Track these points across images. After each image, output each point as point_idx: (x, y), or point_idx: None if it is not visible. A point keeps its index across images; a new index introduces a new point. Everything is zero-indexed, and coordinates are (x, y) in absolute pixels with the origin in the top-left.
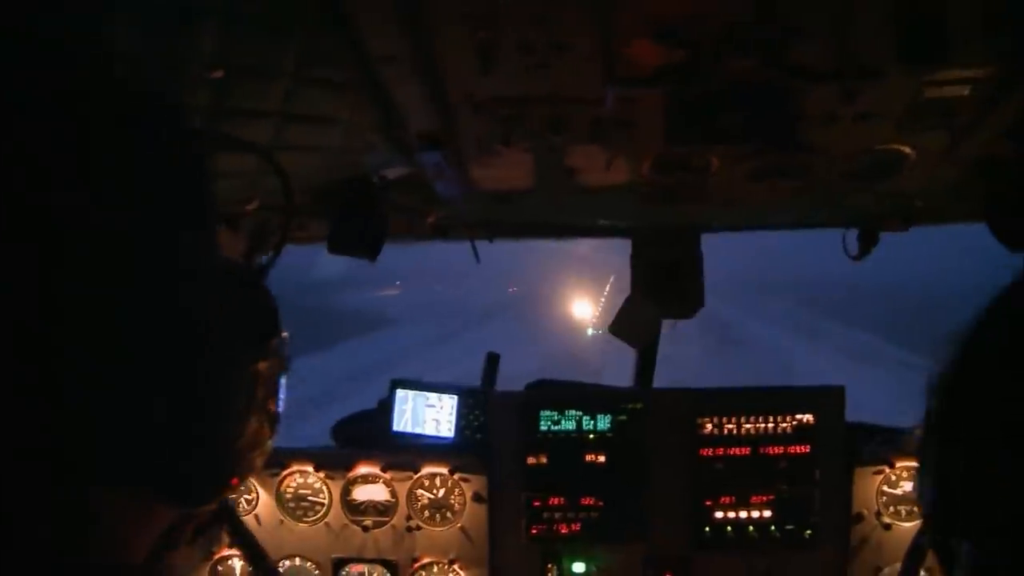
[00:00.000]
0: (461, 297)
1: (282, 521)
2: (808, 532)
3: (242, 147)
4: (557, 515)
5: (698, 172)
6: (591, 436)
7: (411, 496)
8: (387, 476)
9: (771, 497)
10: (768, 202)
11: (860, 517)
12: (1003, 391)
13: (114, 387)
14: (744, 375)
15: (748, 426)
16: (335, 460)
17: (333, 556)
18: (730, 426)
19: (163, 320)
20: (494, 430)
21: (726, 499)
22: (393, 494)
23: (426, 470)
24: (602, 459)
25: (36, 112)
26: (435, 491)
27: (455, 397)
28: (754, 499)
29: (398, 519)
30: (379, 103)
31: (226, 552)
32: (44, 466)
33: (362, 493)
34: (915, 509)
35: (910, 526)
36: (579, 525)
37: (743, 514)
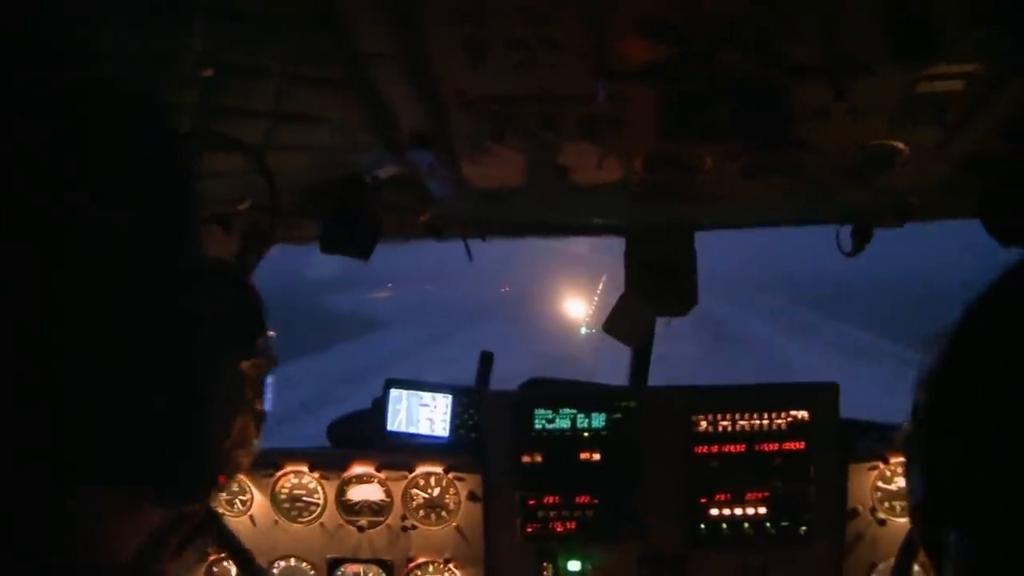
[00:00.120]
0: (453, 297)
1: (277, 522)
2: (803, 528)
3: (229, 145)
4: (552, 514)
5: (690, 169)
6: (585, 434)
7: (406, 496)
8: (382, 476)
9: (766, 494)
10: (761, 199)
11: (855, 513)
12: (992, 382)
13: (101, 386)
14: (740, 373)
15: (743, 423)
16: (330, 460)
17: (328, 556)
18: (725, 423)
19: (148, 319)
20: (488, 429)
21: (721, 496)
22: (388, 494)
23: (421, 469)
24: (597, 457)
25: (25, 111)
26: (430, 490)
27: (449, 396)
28: (749, 496)
29: (393, 519)
30: (369, 102)
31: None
32: (34, 465)
33: (357, 493)
34: None
35: (905, 522)
36: (574, 524)
37: (738, 511)
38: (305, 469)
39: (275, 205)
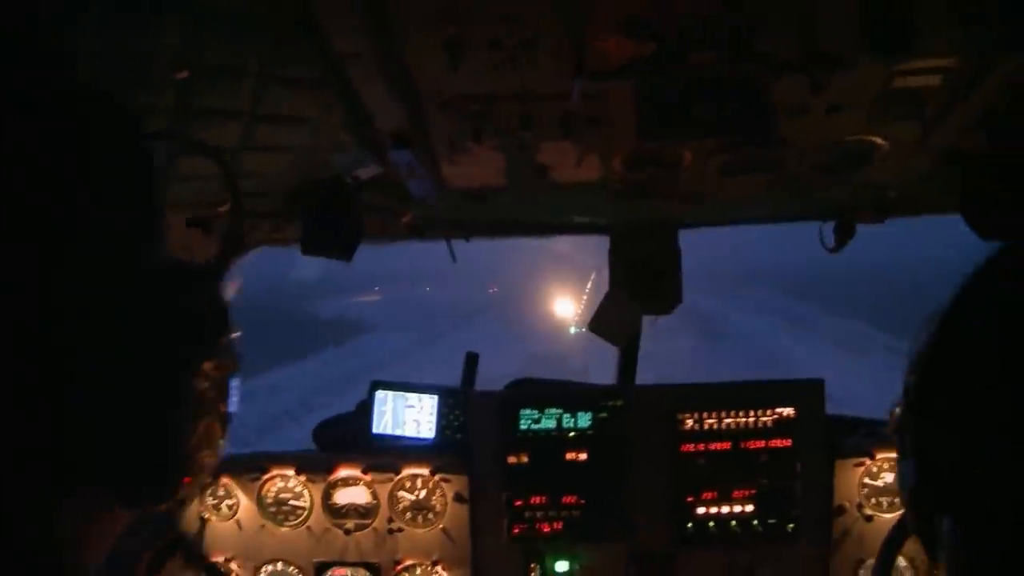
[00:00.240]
0: (441, 299)
1: (263, 525)
2: (790, 526)
3: (191, 147)
4: (539, 514)
5: (670, 167)
6: (571, 434)
7: (392, 498)
8: (368, 478)
9: (752, 491)
10: (743, 196)
11: (842, 510)
12: (981, 365)
13: (64, 386)
14: (731, 368)
15: (728, 421)
16: (316, 463)
17: (315, 560)
18: (711, 421)
19: (108, 319)
20: (474, 430)
21: (708, 494)
22: (374, 496)
23: (407, 471)
24: (583, 457)
25: None
26: (416, 492)
27: (435, 397)
28: (736, 494)
29: (379, 521)
30: (347, 102)
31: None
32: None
33: (343, 496)
34: (896, 500)
35: (891, 517)
36: (561, 524)
37: (725, 509)
38: (291, 472)
39: (237, 208)
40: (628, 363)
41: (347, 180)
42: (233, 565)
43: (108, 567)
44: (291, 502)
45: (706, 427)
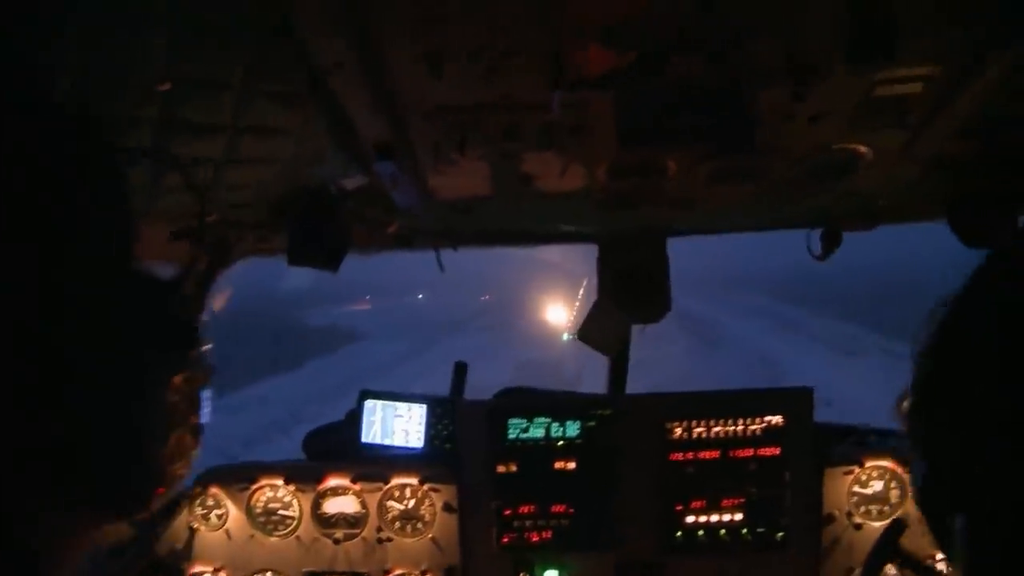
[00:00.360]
0: (433, 307)
1: (252, 535)
2: (779, 534)
3: (160, 159)
4: (528, 523)
5: (655, 176)
6: (560, 443)
7: (381, 507)
8: (357, 488)
9: (741, 500)
10: (730, 204)
11: (831, 518)
12: (981, 365)
13: (34, 398)
14: (727, 373)
15: (717, 429)
16: (305, 473)
17: (304, 570)
18: (699, 430)
19: (75, 332)
20: (462, 439)
21: (697, 503)
22: (363, 505)
23: (396, 481)
24: (572, 466)
25: None
26: (405, 502)
27: (424, 406)
28: (725, 502)
29: (369, 531)
30: (330, 113)
31: (198, 568)
32: None
33: (332, 506)
34: (885, 509)
35: (880, 526)
36: (550, 533)
37: (714, 518)
38: (280, 482)
39: (202, 220)
40: (618, 372)
41: (332, 191)
42: (222, 575)
43: None
44: (280, 512)
45: (695, 436)
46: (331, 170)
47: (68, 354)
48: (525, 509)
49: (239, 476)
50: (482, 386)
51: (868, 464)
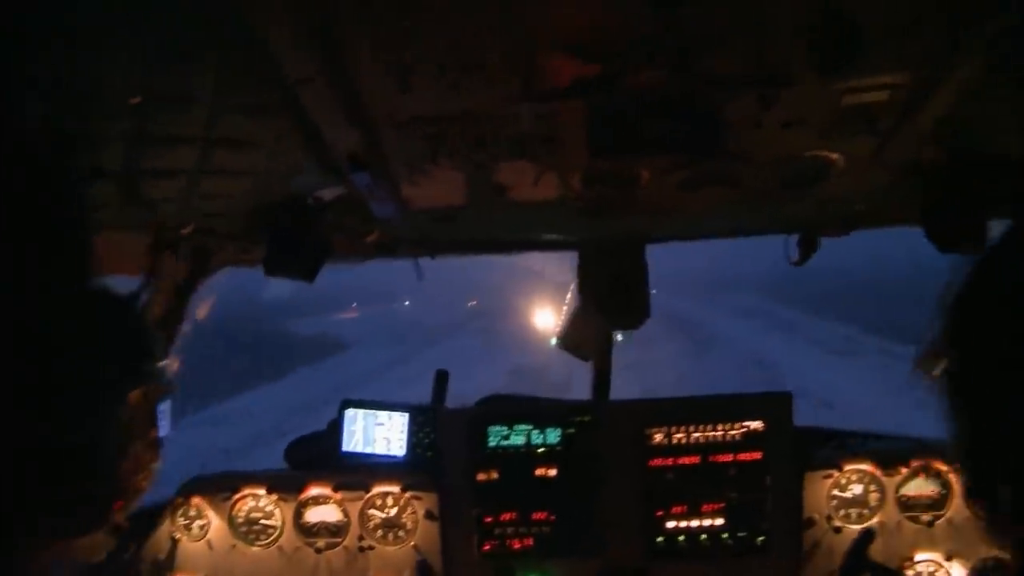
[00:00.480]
0: (420, 314)
1: (234, 545)
2: (760, 539)
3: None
4: (509, 531)
5: (628, 184)
6: (541, 450)
7: (363, 516)
8: (338, 496)
9: (722, 505)
10: (706, 211)
11: (811, 522)
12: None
13: None
14: (719, 374)
15: (697, 435)
16: (286, 482)
17: None
18: (679, 435)
19: (29, 349)
20: (443, 447)
21: (678, 508)
22: (345, 514)
23: (377, 489)
24: (553, 473)
25: None
26: (387, 510)
27: (405, 415)
28: (706, 507)
29: (351, 539)
30: (302, 126)
31: None
32: None
33: (314, 515)
34: (865, 512)
35: (860, 529)
36: (532, 540)
37: (695, 523)
38: (262, 491)
39: (160, 233)
40: (602, 378)
41: (310, 202)
42: None
43: None
44: (262, 521)
45: (675, 441)
46: (307, 181)
47: (23, 371)
48: (506, 516)
49: (221, 486)
50: (478, 393)
51: (847, 468)
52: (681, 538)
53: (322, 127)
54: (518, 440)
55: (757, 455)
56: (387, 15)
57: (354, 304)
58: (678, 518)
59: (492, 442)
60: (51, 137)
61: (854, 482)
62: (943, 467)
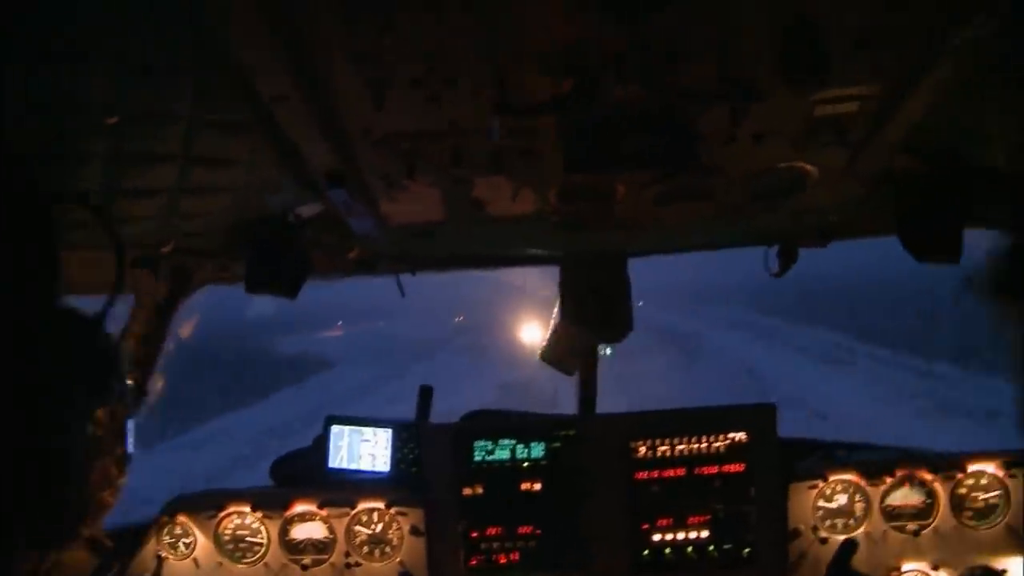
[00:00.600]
0: (406, 331)
1: (221, 563)
2: (746, 550)
3: (75, 200)
4: (495, 545)
5: (604, 199)
6: (525, 464)
7: (349, 532)
8: (324, 513)
9: (708, 517)
10: (684, 224)
11: (797, 533)
12: None
13: None
14: (708, 386)
15: (682, 447)
16: (272, 499)
17: None
18: (663, 448)
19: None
20: (428, 462)
21: (663, 521)
22: (331, 531)
23: (363, 505)
24: (538, 487)
25: None
26: (373, 526)
27: (389, 431)
28: (691, 520)
29: (337, 556)
30: (278, 143)
31: None
32: None
33: (300, 532)
34: (850, 522)
35: (843, 539)
36: (518, 555)
37: (681, 535)
38: (247, 509)
39: (120, 258)
40: (587, 392)
41: (290, 219)
42: None
43: None
44: (248, 539)
45: (659, 454)
46: (285, 198)
47: None
48: (492, 531)
49: (206, 504)
50: (466, 411)
51: (832, 478)
52: (667, 551)
53: (299, 143)
54: (503, 455)
55: (741, 467)
56: (362, 32)
57: (339, 323)
58: (664, 531)
59: (477, 457)
60: (22, 156)
61: (839, 492)
62: (928, 476)
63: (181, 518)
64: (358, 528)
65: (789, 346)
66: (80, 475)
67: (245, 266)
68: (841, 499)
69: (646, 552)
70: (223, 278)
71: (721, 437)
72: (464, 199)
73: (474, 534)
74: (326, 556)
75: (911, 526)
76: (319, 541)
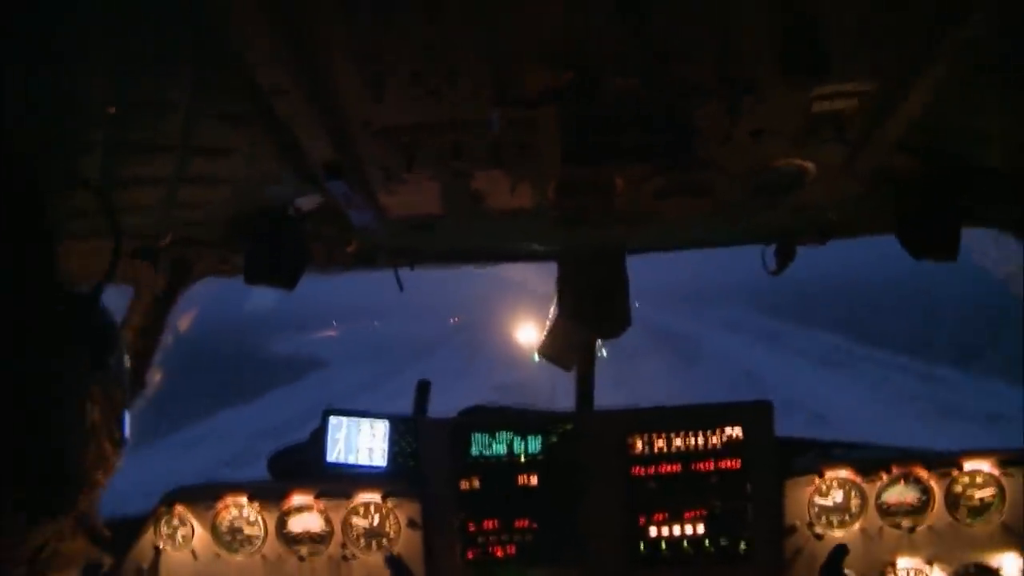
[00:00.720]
0: (401, 331)
1: (218, 554)
2: (742, 546)
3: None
4: (492, 538)
5: (603, 193)
6: (522, 459)
7: (346, 525)
8: (321, 505)
9: (704, 512)
10: (683, 221)
11: (793, 529)
12: None
13: None
14: (707, 389)
15: (678, 443)
16: (269, 491)
17: None
18: (660, 443)
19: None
20: (425, 456)
21: (659, 516)
22: (328, 523)
23: (359, 498)
24: (534, 481)
25: None
26: (370, 519)
27: (386, 424)
28: (687, 515)
29: (334, 547)
30: (278, 135)
31: None
32: None
33: (297, 523)
34: (846, 518)
35: (841, 535)
36: (514, 548)
37: (677, 530)
38: (245, 501)
39: (117, 245)
40: (585, 388)
41: (289, 210)
42: None
43: None
44: (245, 530)
45: (656, 449)
46: (284, 190)
47: None
48: (489, 524)
49: (204, 495)
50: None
51: (828, 474)
52: (663, 546)
53: (298, 135)
54: (500, 449)
55: (737, 463)
56: (361, 25)
57: (334, 322)
58: (660, 525)
59: (474, 450)
60: (22, 146)
61: (835, 489)
62: (923, 473)
63: (179, 509)
64: (355, 520)
65: (790, 348)
66: (77, 449)
67: (244, 258)
68: (837, 495)
69: (642, 547)
70: (223, 270)
71: (717, 433)
72: (463, 192)
73: (471, 527)
74: (323, 548)
75: (906, 523)
76: (316, 533)
